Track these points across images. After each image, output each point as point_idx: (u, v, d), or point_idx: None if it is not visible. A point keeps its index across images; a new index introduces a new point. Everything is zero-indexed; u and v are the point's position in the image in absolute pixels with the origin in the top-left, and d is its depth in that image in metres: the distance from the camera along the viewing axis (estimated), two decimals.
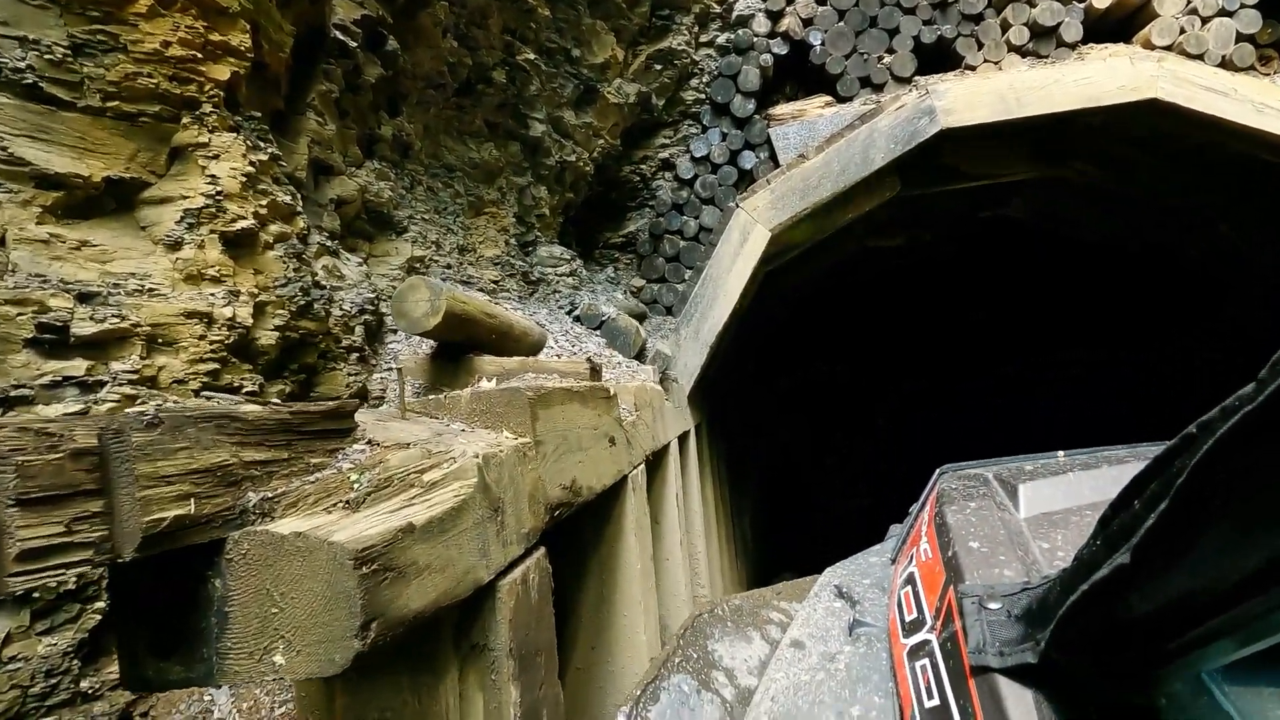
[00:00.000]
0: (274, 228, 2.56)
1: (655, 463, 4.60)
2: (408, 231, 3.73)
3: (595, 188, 6.37)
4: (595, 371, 3.02)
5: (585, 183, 6.02)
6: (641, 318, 6.24)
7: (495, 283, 4.47)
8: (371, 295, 3.08)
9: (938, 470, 2.14)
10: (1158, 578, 0.77)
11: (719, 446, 7.50)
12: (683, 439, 5.57)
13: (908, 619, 1.48)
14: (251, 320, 2.36)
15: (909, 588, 1.58)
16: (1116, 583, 0.80)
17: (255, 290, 2.42)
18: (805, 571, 8.85)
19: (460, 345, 3.12)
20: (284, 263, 2.54)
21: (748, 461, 9.22)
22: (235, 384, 2.28)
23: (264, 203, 2.52)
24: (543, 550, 2.02)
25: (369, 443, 1.62)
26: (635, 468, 3.46)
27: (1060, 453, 2.22)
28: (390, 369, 3.11)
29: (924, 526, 1.80)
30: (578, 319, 4.88)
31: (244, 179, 2.42)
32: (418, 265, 3.70)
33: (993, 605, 1.18)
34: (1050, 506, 1.76)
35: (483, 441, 1.85)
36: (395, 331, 3.28)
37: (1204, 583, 0.76)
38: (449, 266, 3.98)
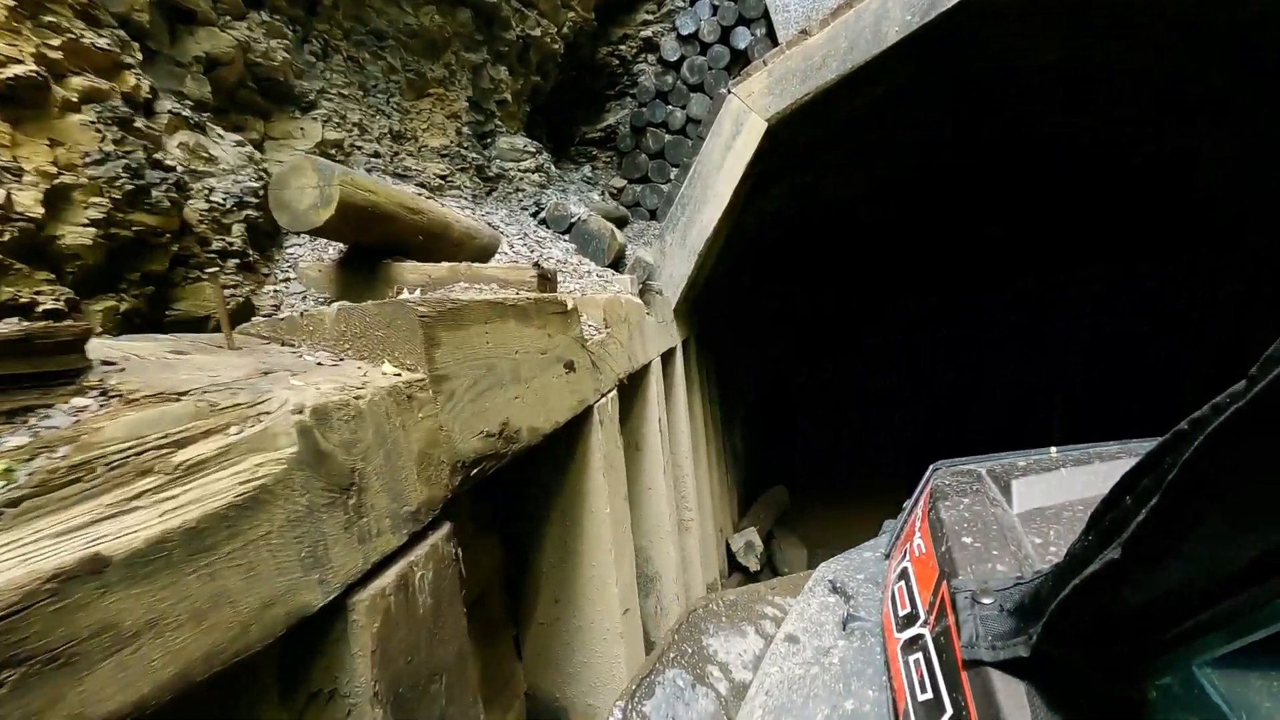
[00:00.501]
0: (80, 82, 1.79)
1: (633, 385, 3.97)
2: (318, 108, 2.91)
3: (568, 72, 5.42)
4: (545, 279, 2.32)
5: (554, 64, 5.08)
6: (622, 222, 5.46)
7: (442, 178, 3.68)
8: (258, 185, 2.33)
9: (931, 466, 2.10)
10: (1149, 572, 0.76)
11: (709, 360, 6.90)
12: (667, 356, 4.93)
13: (901, 614, 1.47)
14: (43, 210, 1.63)
15: (903, 583, 1.56)
16: (1108, 577, 0.79)
17: (51, 169, 1.68)
18: (793, 487, 8.42)
19: (378, 249, 2.41)
20: (98, 132, 1.79)
21: (739, 373, 8.66)
22: (24, 299, 1.59)
23: (56, 44, 1.73)
24: (445, 530, 1.40)
25: (104, 394, 0.95)
26: (604, 395, 2.83)
27: (1053, 449, 2.20)
28: (289, 279, 2.40)
29: (918, 522, 1.77)
30: (544, 222, 4.12)
31: (10, 4, 1.63)
32: (333, 151, 2.91)
33: (986, 600, 1.16)
34: (1043, 502, 1.75)
35: (331, 384, 1.18)
36: (299, 233, 2.56)
37: (1195, 577, 0.75)
38: (377, 155, 3.18)
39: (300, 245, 2.53)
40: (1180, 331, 7.25)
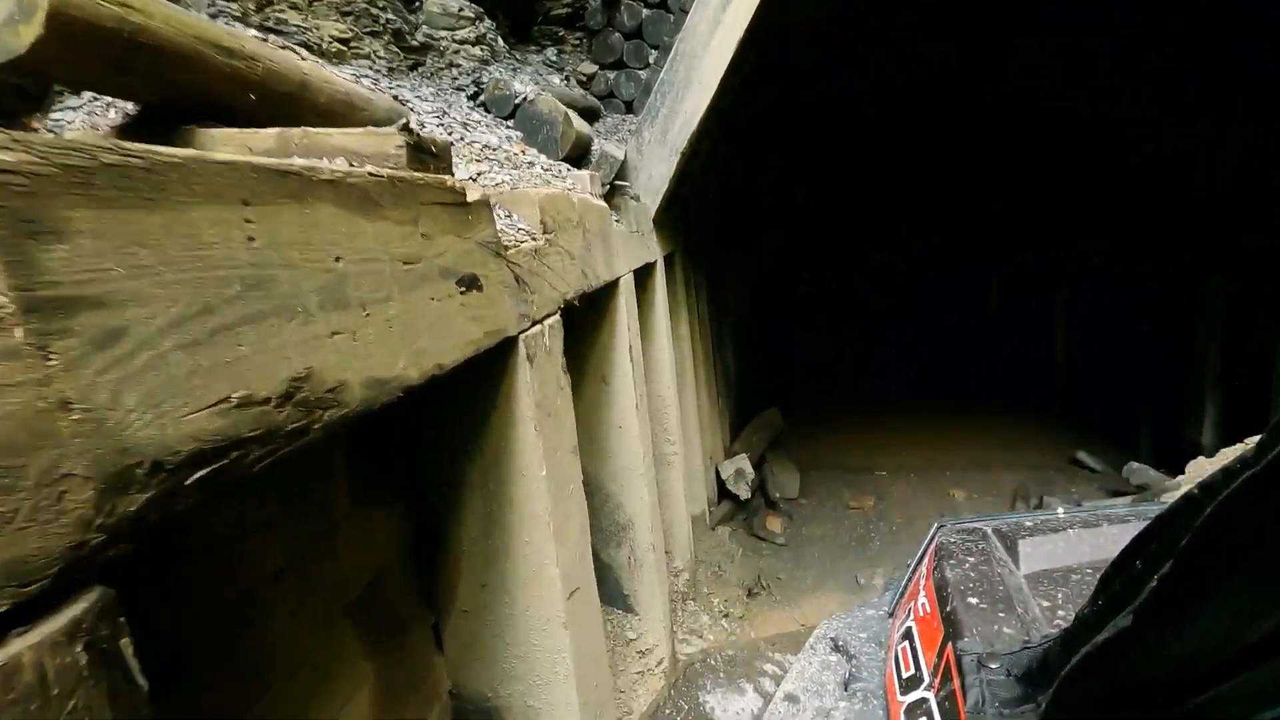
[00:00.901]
0: None
1: (596, 308, 3.20)
2: None
3: None
4: (421, 150, 1.50)
5: None
6: (593, 115, 4.51)
7: (343, 42, 2.75)
8: None
9: (936, 524, 1.98)
10: (1162, 641, 0.72)
11: (697, 274, 6.07)
12: (644, 272, 4.13)
13: (905, 675, 1.42)
14: None
15: (906, 643, 1.51)
16: (1120, 645, 0.75)
17: None
18: (789, 408, 7.78)
19: (176, 110, 1.57)
20: None
21: (732, 286, 7.85)
22: None
23: None
24: (70, 617, 0.65)
25: None
26: (537, 323, 2.06)
27: (1060, 509, 2.16)
28: None
29: (922, 580, 1.72)
30: (484, 105, 3.22)
31: None
32: None
33: (992, 664, 1.11)
34: (1050, 564, 1.71)
35: None
36: (80, 91, 1.72)
37: (1209, 647, 0.69)
38: None
39: (76, 109, 1.69)
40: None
